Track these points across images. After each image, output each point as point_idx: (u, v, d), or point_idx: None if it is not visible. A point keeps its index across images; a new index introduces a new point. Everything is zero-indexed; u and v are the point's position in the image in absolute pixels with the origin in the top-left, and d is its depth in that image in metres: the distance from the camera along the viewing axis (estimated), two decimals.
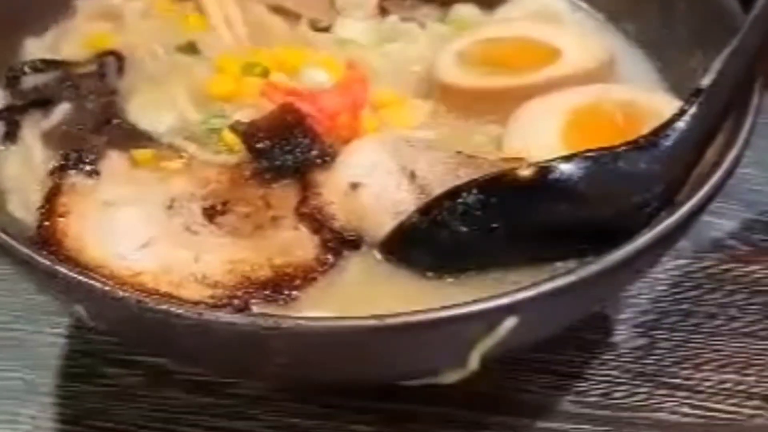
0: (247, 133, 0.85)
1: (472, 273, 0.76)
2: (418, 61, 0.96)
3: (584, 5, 1.04)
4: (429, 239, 0.76)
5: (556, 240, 0.75)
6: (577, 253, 0.74)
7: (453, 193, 0.76)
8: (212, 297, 0.74)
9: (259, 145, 0.84)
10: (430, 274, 0.76)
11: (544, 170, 0.75)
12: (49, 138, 0.87)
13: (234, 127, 0.86)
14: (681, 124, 0.77)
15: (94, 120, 0.88)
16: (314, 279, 0.76)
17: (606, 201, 0.75)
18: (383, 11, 1.02)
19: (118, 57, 0.93)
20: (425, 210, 0.77)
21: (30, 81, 0.91)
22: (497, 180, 0.76)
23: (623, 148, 0.76)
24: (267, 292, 0.75)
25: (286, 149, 0.84)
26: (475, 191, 0.75)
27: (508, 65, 0.93)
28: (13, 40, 0.96)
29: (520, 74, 0.92)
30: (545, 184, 0.75)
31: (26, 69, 0.92)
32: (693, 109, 0.77)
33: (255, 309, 0.74)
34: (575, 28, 1.00)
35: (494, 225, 0.75)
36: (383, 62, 0.96)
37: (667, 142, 0.76)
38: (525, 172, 0.75)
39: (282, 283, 0.76)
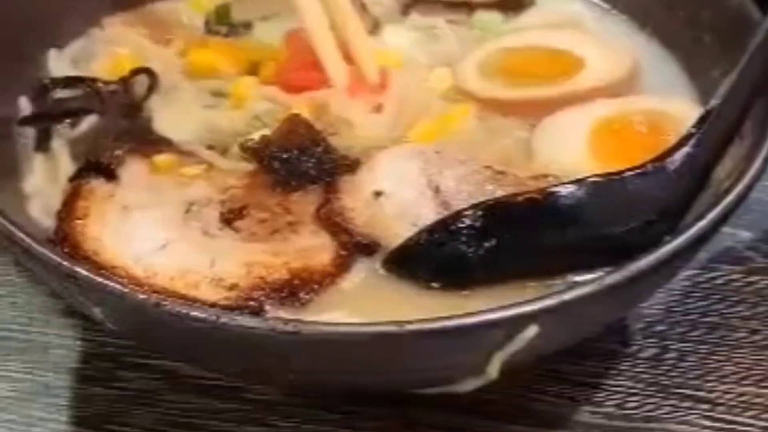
0: (259, 149, 0.85)
1: (480, 286, 0.75)
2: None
3: (608, 12, 1.04)
4: (430, 260, 0.76)
5: (559, 260, 0.75)
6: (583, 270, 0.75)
7: (457, 216, 0.76)
8: (227, 299, 0.75)
9: (272, 160, 0.84)
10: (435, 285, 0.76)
11: (549, 195, 0.75)
12: (75, 147, 0.89)
13: (244, 145, 0.86)
14: (688, 149, 0.76)
15: (118, 129, 0.89)
16: (330, 284, 0.77)
17: (610, 225, 0.75)
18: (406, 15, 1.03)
19: (151, 75, 0.94)
20: (429, 231, 0.76)
21: (58, 94, 0.93)
22: (501, 204, 0.76)
23: (630, 173, 0.76)
24: (282, 295, 0.75)
25: (301, 161, 0.84)
26: (479, 215, 0.75)
27: (532, 75, 0.93)
28: (37, 52, 0.97)
29: (544, 86, 0.92)
30: (550, 209, 0.75)
31: (56, 83, 0.93)
32: (700, 133, 0.77)
33: (269, 311, 0.74)
34: (599, 36, 1.00)
35: (496, 248, 0.75)
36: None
37: (674, 167, 0.76)
38: (529, 197, 0.75)
39: (298, 287, 0.76)
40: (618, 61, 0.94)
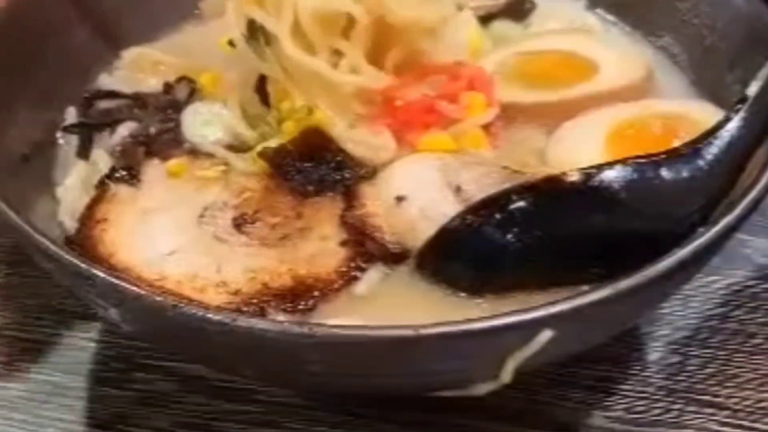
0: (275, 158, 0.85)
1: (502, 293, 0.75)
2: None
3: (622, 17, 1.04)
4: (465, 248, 0.76)
5: (594, 254, 0.74)
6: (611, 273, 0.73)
7: (492, 201, 0.75)
8: (230, 303, 0.75)
9: (289, 168, 0.85)
10: (462, 294, 0.76)
11: (586, 176, 0.73)
12: (112, 153, 0.91)
13: (262, 153, 0.86)
14: (725, 133, 0.75)
15: (147, 135, 0.91)
16: (333, 291, 0.77)
17: (647, 208, 0.74)
18: None
19: (190, 81, 0.96)
20: (463, 218, 0.76)
21: (102, 105, 0.96)
22: (538, 186, 0.75)
23: (665, 156, 0.75)
24: (284, 301, 0.75)
25: (318, 169, 0.84)
26: (515, 199, 0.74)
27: (548, 79, 0.93)
28: (86, 70, 1.00)
29: (561, 90, 0.92)
30: (587, 190, 0.73)
31: (101, 96, 0.97)
32: (738, 118, 0.75)
33: (271, 316, 0.74)
34: (611, 42, 1.00)
35: (533, 234, 0.74)
36: None
37: (711, 151, 0.75)
38: (567, 178, 0.74)
39: (300, 294, 0.76)
40: (633, 65, 0.94)
